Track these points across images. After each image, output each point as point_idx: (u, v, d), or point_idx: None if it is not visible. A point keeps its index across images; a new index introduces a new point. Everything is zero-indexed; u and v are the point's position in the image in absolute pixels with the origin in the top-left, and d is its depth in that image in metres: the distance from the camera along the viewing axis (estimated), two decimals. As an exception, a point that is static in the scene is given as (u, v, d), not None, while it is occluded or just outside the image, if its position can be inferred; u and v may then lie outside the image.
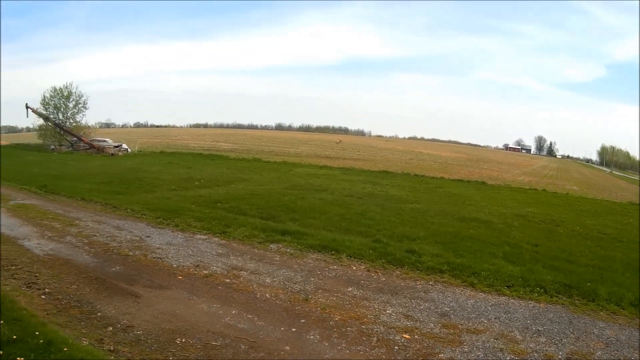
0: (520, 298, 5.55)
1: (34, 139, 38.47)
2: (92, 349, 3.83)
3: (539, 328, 4.66)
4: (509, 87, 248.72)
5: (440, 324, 4.66)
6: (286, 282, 5.78)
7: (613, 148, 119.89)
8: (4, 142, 41.77)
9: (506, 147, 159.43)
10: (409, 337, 4.34)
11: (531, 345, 4.22)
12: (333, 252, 7.14)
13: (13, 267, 6.00)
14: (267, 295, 5.32)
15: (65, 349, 3.62)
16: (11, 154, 30.45)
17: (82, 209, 10.36)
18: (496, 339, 4.36)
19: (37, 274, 5.77)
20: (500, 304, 5.33)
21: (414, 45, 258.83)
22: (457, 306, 5.20)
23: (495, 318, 4.88)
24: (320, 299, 5.24)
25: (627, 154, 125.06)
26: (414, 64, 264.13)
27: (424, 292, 5.67)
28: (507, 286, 5.90)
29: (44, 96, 36.17)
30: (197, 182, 15.57)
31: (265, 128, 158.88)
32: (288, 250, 7.30)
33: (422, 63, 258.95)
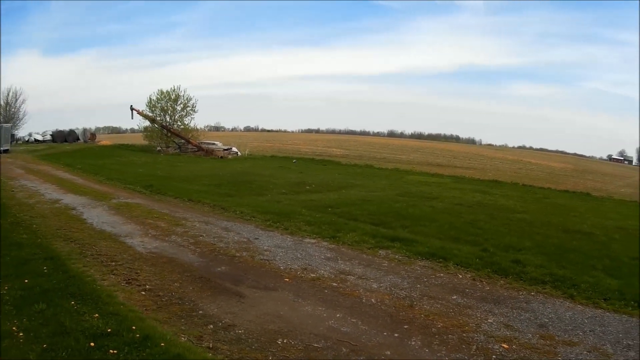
0: (615, 311, 5.35)
1: (138, 140, 38.63)
2: (190, 345, 3.91)
3: (630, 342, 4.52)
4: (616, 98, 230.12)
5: (538, 335, 4.61)
6: (392, 288, 5.83)
7: None
8: (106, 142, 42.86)
9: (610, 158, 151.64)
10: (507, 346, 4.34)
11: (620, 359, 4.15)
12: (441, 259, 7.10)
13: (113, 264, 6.16)
14: (372, 300, 5.40)
15: (162, 344, 3.69)
16: (114, 154, 30.64)
17: (189, 210, 10.59)
18: (589, 352, 4.29)
19: (139, 271, 5.91)
20: (596, 316, 5.17)
21: (525, 54, 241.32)
22: (556, 317, 5.11)
23: (590, 331, 4.77)
24: (425, 306, 5.28)
25: None
26: (524, 73, 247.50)
27: (526, 302, 5.60)
28: (604, 299, 5.72)
29: (150, 98, 36.27)
30: (308, 187, 15.62)
31: (377, 135, 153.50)
32: (396, 256, 7.30)
33: (533, 72, 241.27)
